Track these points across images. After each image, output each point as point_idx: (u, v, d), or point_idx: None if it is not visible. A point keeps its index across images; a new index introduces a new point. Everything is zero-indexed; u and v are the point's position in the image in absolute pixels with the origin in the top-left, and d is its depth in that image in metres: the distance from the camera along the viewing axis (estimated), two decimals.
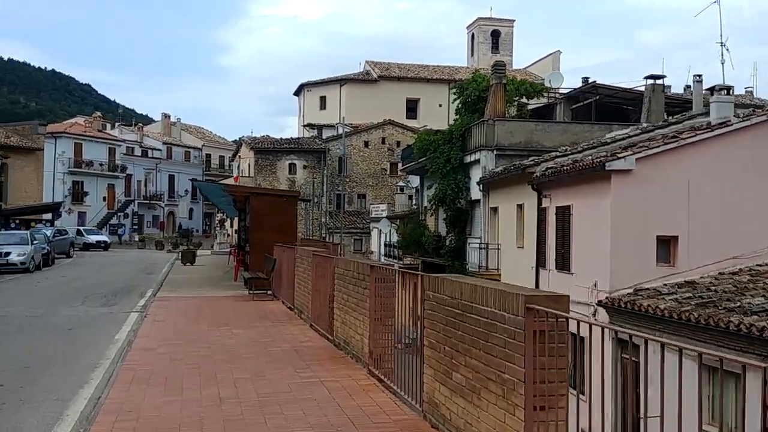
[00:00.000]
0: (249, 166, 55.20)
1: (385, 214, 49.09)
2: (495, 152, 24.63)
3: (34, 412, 7.03)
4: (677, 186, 15.39)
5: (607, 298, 14.92)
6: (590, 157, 17.23)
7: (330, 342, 10.09)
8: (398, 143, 57.70)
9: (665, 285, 14.74)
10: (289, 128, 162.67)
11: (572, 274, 17.11)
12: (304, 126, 64.61)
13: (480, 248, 24.27)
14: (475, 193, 25.80)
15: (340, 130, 59.69)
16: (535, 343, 4.33)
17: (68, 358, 9.95)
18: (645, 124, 21.69)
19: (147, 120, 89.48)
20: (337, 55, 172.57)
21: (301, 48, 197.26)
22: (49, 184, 58.01)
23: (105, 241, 51.55)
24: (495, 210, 24.20)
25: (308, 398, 6.99)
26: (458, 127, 27.79)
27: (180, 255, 32.31)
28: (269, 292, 16.87)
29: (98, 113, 75.32)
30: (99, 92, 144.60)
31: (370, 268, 8.13)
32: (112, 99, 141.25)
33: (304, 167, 55.03)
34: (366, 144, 57.40)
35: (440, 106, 64.58)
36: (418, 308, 6.21)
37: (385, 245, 40.34)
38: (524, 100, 29.66)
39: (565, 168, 17.73)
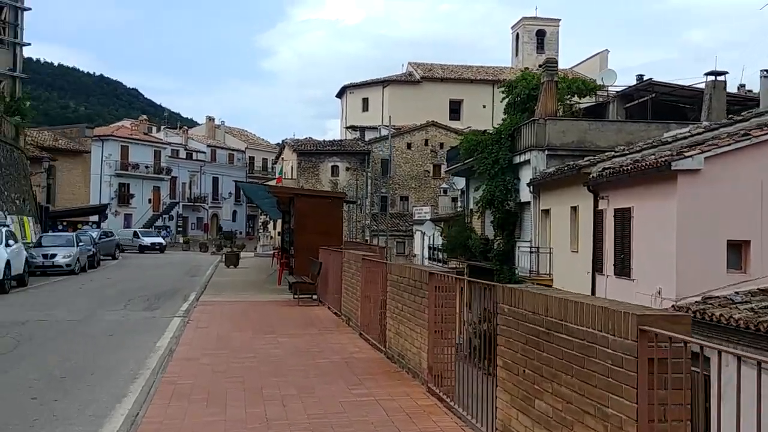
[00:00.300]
0: (292, 168, 54.95)
1: (428, 216, 48.29)
2: (546, 152, 23.65)
3: (66, 430, 6.45)
4: (749, 187, 14.33)
5: (673, 306, 13.91)
6: (653, 157, 16.21)
7: (382, 354, 9.37)
8: (441, 145, 56.90)
9: (737, 293, 13.68)
10: (331, 131, 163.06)
11: (633, 280, 16.12)
12: (347, 128, 64.19)
13: (530, 252, 23.32)
14: (525, 194, 24.85)
15: (383, 132, 59.10)
16: (651, 374, 3.55)
17: (107, 367, 9.41)
18: (706, 123, 20.52)
19: (192, 123, 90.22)
20: (379, 59, 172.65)
21: (343, 51, 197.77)
22: (95, 187, 58.62)
23: (160, 243, 51.68)
24: (546, 212, 23.23)
25: (364, 420, 6.28)
26: (507, 126, 26.88)
27: (223, 257, 31.99)
28: (315, 297, 16.26)
29: (144, 116, 76.08)
30: (145, 96, 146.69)
31: (429, 275, 7.39)
32: (158, 103, 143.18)
33: (347, 169, 54.53)
34: (409, 146, 56.67)
35: (484, 107, 63.56)
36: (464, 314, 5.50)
37: (429, 248, 39.54)
38: (575, 98, 28.58)
39: (624, 168, 16.74)
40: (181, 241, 61.85)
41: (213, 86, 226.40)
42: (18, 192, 31.19)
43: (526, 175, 24.65)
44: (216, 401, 7.05)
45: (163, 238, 61.24)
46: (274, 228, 57.93)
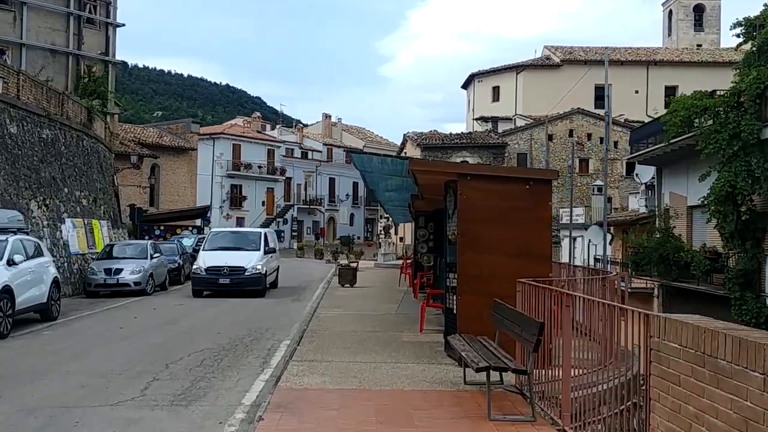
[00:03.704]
0: None
1: (582, 219, 38.88)
2: None
3: None
4: None
5: None
6: None
7: None
8: (589, 136, 47.10)
9: None
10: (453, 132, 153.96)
11: None
12: (476, 119, 55.21)
13: None
14: None
15: (519, 123, 49.84)
16: None
17: None
18: None
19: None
20: (499, 60, 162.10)
21: (462, 54, 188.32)
22: (205, 188, 52.57)
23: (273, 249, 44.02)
24: None
25: None
26: (752, 85, 17.21)
27: (337, 273, 23.92)
28: (524, 393, 7.59)
29: (258, 113, 70.01)
30: (268, 104, 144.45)
31: None
32: (280, 110, 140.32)
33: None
34: (550, 137, 47.15)
35: (636, 92, 53.01)
36: None
37: (596, 259, 30.04)
38: None
39: None
40: (296, 247, 54.82)
41: (332, 93, 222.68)
42: (88, 189, 24.32)
43: None
44: None
45: None
46: (396, 233, 49.77)
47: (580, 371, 7.52)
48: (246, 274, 19.74)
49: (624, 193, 44.86)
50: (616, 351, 7.58)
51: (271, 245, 21.93)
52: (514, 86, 55.10)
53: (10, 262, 12.86)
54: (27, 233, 14.99)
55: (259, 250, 20.75)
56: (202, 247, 21.79)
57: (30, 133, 20.12)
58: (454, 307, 9.58)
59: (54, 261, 19.82)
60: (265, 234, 22.31)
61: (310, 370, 9.10)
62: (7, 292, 12.47)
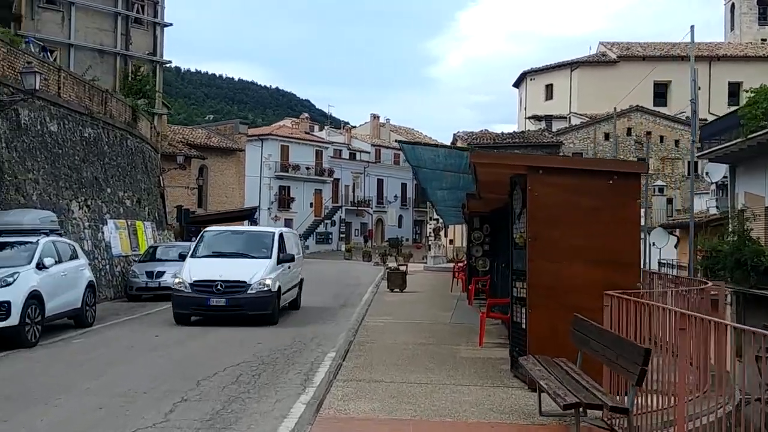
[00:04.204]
0: None
1: (641, 221, 36.81)
2: None
3: None
4: None
5: None
6: None
7: None
8: (648, 134, 44.88)
9: None
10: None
11: None
12: (528, 118, 53.44)
13: None
14: None
15: (574, 121, 47.97)
16: None
17: None
18: None
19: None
20: (549, 60, 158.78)
21: (512, 55, 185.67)
22: (253, 189, 52.05)
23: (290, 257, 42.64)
24: None
25: None
26: None
27: (386, 276, 22.74)
28: (607, 423, 6.28)
29: (306, 114, 69.42)
30: (317, 107, 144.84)
31: None
32: (328, 112, 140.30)
33: None
34: (606, 136, 45.10)
35: (699, 88, 50.44)
36: None
37: (660, 263, 28.18)
38: None
39: None
40: (344, 249, 53.90)
41: (380, 95, 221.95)
42: (132, 190, 23.68)
43: None
44: None
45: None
46: (446, 236, 48.39)
47: (674, 398, 6.20)
48: (249, 292, 13.95)
49: (686, 193, 42.56)
50: (720, 376, 6.27)
51: (291, 251, 16.21)
52: (569, 84, 53.16)
53: (40, 266, 12.02)
54: (61, 234, 14.20)
55: (270, 257, 14.84)
56: (190, 253, 15.92)
57: (71, 132, 19.48)
58: (523, 321, 8.26)
59: (95, 263, 19.22)
60: (281, 235, 16.06)
61: (357, 393, 7.90)
62: (36, 297, 11.61)
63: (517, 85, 59.34)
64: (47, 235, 13.08)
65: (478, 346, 10.98)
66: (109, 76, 31.75)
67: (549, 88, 54.74)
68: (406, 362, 9.77)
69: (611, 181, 7.71)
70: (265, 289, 14.02)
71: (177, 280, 14.61)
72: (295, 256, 16.44)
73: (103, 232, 20.32)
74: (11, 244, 12.43)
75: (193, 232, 35.66)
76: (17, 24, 28.88)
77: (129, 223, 22.50)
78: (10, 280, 11.16)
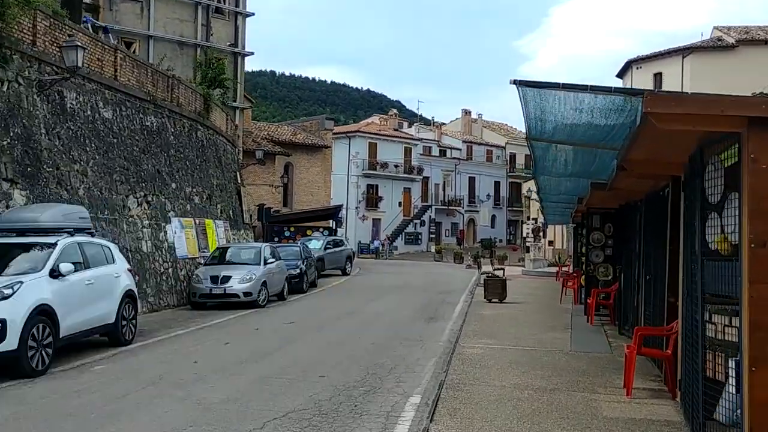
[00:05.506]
0: None
1: None
2: None
3: None
4: None
5: None
6: None
7: None
8: None
9: None
10: None
11: None
12: None
13: None
14: None
15: None
16: None
17: None
18: None
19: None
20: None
21: (607, 50, 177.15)
22: (340, 188, 49.61)
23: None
24: None
25: None
26: None
27: (483, 285, 19.42)
28: None
29: (395, 110, 66.63)
30: (407, 107, 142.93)
31: None
32: (418, 110, 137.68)
33: None
34: None
35: None
36: None
37: None
38: None
39: None
40: (433, 250, 50.73)
41: (471, 94, 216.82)
42: (202, 185, 21.38)
43: None
44: None
45: (376, 249, 48.61)
46: (544, 237, 44.33)
47: None
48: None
49: None
50: None
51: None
52: (680, 71, 48.01)
53: (54, 273, 9.49)
54: (93, 234, 11.70)
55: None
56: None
57: (129, 120, 17.23)
58: (730, 380, 4.89)
59: (155, 266, 16.89)
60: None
61: None
62: (45, 313, 9.08)
63: (621, 75, 54.44)
64: (71, 234, 10.59)
65: (625, 395, 7.59)
66: (189, 68, 29.92)
67: (658, 77, 49.69)
68: (526, 426, 6.54)
69: None
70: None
71: None
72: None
73: (166, 232, 18.01)
74: (22, 246, 9.98)
75: (275, 232, 33.49)
76: (95, 15, 27.37)
77: (197, 221, 20.18)
78: (8, 292, 8.66)
